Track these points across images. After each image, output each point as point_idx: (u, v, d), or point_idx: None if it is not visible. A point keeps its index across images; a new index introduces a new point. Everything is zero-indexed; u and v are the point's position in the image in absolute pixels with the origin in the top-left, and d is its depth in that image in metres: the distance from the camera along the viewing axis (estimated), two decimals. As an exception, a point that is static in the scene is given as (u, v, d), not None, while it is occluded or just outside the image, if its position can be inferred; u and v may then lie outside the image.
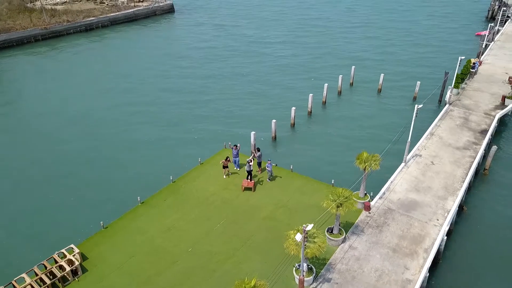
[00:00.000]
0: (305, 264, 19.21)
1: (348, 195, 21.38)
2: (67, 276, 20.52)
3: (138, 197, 26.05)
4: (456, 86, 39.37)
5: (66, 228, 25.83)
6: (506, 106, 36.84)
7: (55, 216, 27.06)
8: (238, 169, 29.14)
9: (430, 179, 27.52)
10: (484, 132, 33.09)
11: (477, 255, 23.85)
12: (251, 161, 26.89)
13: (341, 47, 61.59)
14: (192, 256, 22.12)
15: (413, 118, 28.30)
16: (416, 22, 74.65)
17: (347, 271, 20.65)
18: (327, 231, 22.78)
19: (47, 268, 20.46)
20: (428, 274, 20.74)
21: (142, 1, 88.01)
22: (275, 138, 36.69)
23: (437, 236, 22.64)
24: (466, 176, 27.59)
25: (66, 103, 44.30)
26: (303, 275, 18.29)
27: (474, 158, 29.56)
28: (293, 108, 38.81)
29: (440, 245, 22.39)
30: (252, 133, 33.34)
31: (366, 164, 24.07)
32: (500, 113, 35.70)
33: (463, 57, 37.70)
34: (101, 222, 24.06)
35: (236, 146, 28.96)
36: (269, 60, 56.71)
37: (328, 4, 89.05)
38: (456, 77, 39.41)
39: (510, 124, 38.25)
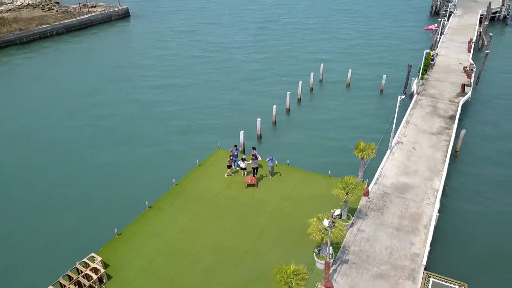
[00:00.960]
0: (330, 248, 20.68)
1: (356, 182, 23.14)
2: (94, 285, 20.62)
3: (146, 202, 26.34)
4: (421, 78, 42.66)
5: (80, 237, 25.83)
6: (466, 93, 40.52)
7: (67, 227, 26.97)
8: (237, 168, 30.12)
9: (415, 163, 30.05)
10: (452, 117, 36.36)
11: (464, 227, 26.61)
12: (245, 159, 28.32)
13: (305, 48, 62.94)
14: (212, 253, 22.90)
15: (397, 109, 30.69)
16: (370, 20, 77.65)
17: (360, 252, 22.41)
18: (339, 216, 24.42)
19: (74, 279, 20.46)
20: (430, 248, 23.00)
21: (94, 7, 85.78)
22: (260, 136, 38.04)
23: (432, 213, 25.03)
24: (446, 158, 30.43)
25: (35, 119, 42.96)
26: (329, 258, 19.76)
27: (449, 142, 32.58)
28: (274, 106, 40.33)
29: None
30: (241, 132, 34.58)
31: (364, 153, 26.02)
32: (462, 100, 39.28)
33: (427, 50, 41.03)
34: (115, 229, 24.18)
35: (236, 146, 29.95)
36: (236, 64, 56.74)
37: (285, 6, 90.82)
38: (422, 69, 42.79)
39: (471, 108, 42.05)
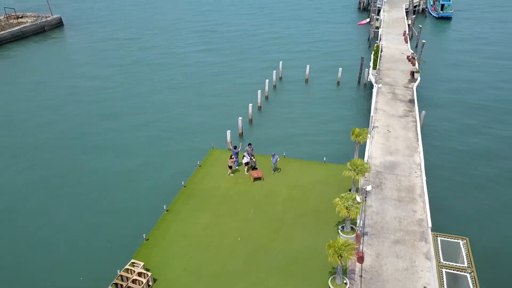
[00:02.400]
0: (362, 221, 23.24)
1: (362, 163, 25.97)
2: (144, 288, 21.20)
3: (164, 206, 26.98)
4: (374, 67, 47.12)
5: (109, 247, 26.15)
6: (416, 79, 45.61)
7: (96, 238, 27.24)
8: (237, 167, 31.58)
9: (393, 143, 33.78)
10: (411, 101, 40.94)
11: (449, 190, 30.93)
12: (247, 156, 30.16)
13: (256, 50, 64.27)
14: (242, 244, 24.40)
15: (374, 97, 34.19)
16: (309, 21, 79.90)
17: (375, 224, 25.28)
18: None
19: (124, 286, 20.84)
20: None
21: (21, 17, 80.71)
22: (242, 134, 39.79)
23: (423, 183, 28.74)
24: (418, 136, 34.61)
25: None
26: (360, 231, 22.31)
27: (415, 122, 36.91)
28: (250, 105, 42.33)
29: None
30: (228, 131, 36.18)
31: (360, 137, 29.03)
32: (415, 85, 44.21)
33: (377, 42, 45.47)
34: (144, 235, 24.64)
35: (236, 147, 31.42)
36: (195, 70, 56.52)
37: (220, 12, 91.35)
38: (374, 60, 47.28)
39: (422, 92, 47.16)
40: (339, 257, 19.44)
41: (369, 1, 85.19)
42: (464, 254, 23.11)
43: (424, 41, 54.07)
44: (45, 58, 62.95)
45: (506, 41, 66.52)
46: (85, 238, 27.30)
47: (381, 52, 50.75)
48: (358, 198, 21.49)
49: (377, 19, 70.48)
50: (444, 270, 22.18)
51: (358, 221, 22.88)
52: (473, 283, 21.25)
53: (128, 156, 36.81)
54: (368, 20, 74.45)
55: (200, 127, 41.53)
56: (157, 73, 55.49)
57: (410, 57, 51.11)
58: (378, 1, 78.91)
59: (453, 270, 22.20)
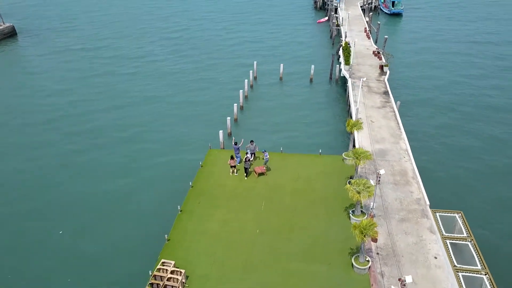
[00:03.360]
0: (374, 203, 25.22)
1: (364, 151, 28.04)
2: (179, 286, 21.84)
3: (178, 206, 27.61)
4: (347, 63, 49.80)
5: (133, 249, 26.87)
6: (386, 72, 48.79)
7: (119, 241, 28.17)
8: (238, 164, 32.68)
9: (378, 132, 36.30)
10: (386, 93, 43.90)
11: (437, 170, 33.79)
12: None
13: (227, 53, 64.31)
14: (262, 235, 25.65)
15: (360, 91, 36.55)
16: (271, 21, 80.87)
17: (380, 206, 27.41)
18: (348, 183, 29.07)
19: (160, 285, 21.42)
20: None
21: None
22: (230, 133, 40.89)
23: (413, 167, 31.35)
24: (399, 124, 37.40)
25: None
26: (373, 212, 24.28)
27: (394, 112, 39.77)
28: (235, 104, 43.49)
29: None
30: (220, 131, 37.26)
31: (355, 127, 31.14)
32: (386, 78, 47.33)
33: (341, 39, 48.10)
34: (166, 235, 25.20)
35: (236, 143, 32.47)
36: (169, 77, 55.65)
37: (182, 15, 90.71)
38: (345, 57, 49.94)
39: (392, 84, 50.34)
40: (364, 236, 21.22)
41: (325, 0, 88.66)
42: (461, 226, 25.81)
43: (386, 36, 57.57)
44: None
45: (456, 34, 72.05)
46: (110, 243, 27.96)
47: (354, 47, 53.44)
48: (372, 182, 23.42)
49: (336, 17, 73.95)
50: (448, 241, 24.69)
51: (371, 204, 24.90)
52: (474, 250, 23.88)
53: (128, 168, 36.56)
54: (326, 18, 77.49)
55: (190, 131, 42.07)
56: (131, 84, 53.64)
57: (376, 52, 54.42)
58: (334, 0, 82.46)
59: (456, 240, 24.78)
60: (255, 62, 54.71)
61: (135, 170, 36.06)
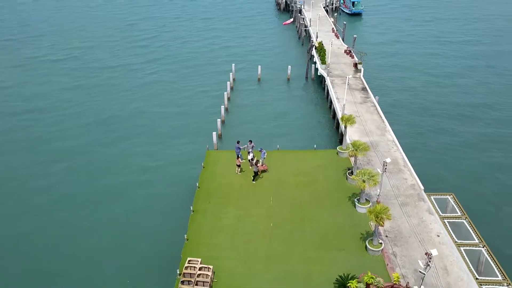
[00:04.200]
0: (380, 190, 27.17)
1: (362, 143, 30.05)
2: (210, 282, 22.69)
3: (191, 207, 28.35)
4: (323, 63, 52.06)
5: (154, 250, 27.80)
6: (360, 69, 51.49)
7: (139, 244, 29.08)
8: (242, 161, 33.71)
9: (365, 126, 38.59)
10: (364, 89, 46.48)
11: (423, 156, 36.50)
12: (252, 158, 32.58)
13: (200, 58, 64.67)
14: (277, 228, 26.96)
15: (346, 88, 38.68)
16: (238, 25, 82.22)
17: (380, 193, 29.47)
18: (349, 175, 30.99)
19: (192, 282, 22.19)
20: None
21: None
22: (221, 135, 41.91)
23: (403, 156, 33.80)
24: (383, 117, 39.91)
25: None
26: (379, 199, 26.25)
27: (375, 106, 42.32)
28: (222, 106, 44.56)
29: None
30: (214, 133, 38.32)
31: (349, 121, 33.13)
32: (361, 75, 50.02)
33: (313, 40, 50.36)
34: (185, 235, 25.91)
35: (238, 141, 33.49)
36: (149, 84, 55.16)
37: (154, 19, 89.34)
38: (321, 56, 52.22)
39: (369, 80, 52.99)
40: (380, 220, 23.07)
41: (287, 2, 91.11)
42: (454, 206, 28.38)
43: (355, 36, 60.51)
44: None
45: (415, 32, 76.76)
46: (131, 246, 28.75)
47: (331, 46, 55.52)
48: (379, 170, 25.35)
49: (303, 19, 76.49)
50: (445, 220, 27.13)
51: (378, 191, 26.90)
52: (470, 226, 26.44)
53: (132, 172, 37.10)
54: (291, 20, 79.81)
55: (182, 136, 42.61)
56: (109, 96, 52.07)
57: (348, 50, 57.15)
58: (298, 2, 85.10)
59: (452, 219, 27.28)
60: (233, 65, 55.84)
61: (136, 179, 36.29)
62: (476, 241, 25.45)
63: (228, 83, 50.22)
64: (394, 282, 20.24)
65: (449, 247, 24.95)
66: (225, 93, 47.42)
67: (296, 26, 79.17)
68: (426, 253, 19.19)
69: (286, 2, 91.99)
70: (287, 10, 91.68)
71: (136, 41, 72.83)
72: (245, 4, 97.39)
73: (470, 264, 23.82)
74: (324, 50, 53.27)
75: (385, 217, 23.12)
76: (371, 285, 19.92)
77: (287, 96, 51.88)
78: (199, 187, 30.88)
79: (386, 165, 26.03)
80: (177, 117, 46.59)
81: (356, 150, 29.64)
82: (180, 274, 23.18)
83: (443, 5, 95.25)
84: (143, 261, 27.38)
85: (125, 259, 27.69)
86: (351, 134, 37.15)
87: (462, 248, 24.86)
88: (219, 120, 41.53)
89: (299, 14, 79.38)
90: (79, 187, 35.00)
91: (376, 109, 41.85)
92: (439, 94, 51.61)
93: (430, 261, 18.60)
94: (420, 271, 19.06)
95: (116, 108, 48.98)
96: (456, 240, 25.50)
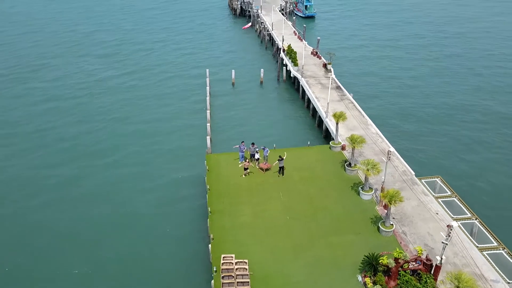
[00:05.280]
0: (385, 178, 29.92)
1: (359, 137, 32.75)
2: (248, 274, 24.08)
3: (208, 208, 29.47)
4: (296, 65, 54.73)
5: (181, 252, 28.91)
6: (330, 69, 54.74)
7: (165, 248, 29.87)
8: (243, 161, 35.21)
9: (348, 122, 41.15)
10: (339, 87, 49.64)
11: (409, 143, 39.94)
12: (257, 152, 34.31)
13: (170, 66, 64.58)
14: (294, 219, 28.90)
15: (329, 87, 41.41)
16: (197, 32, 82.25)
17: (378, 181, 32.29)
18: (347, 166, 33.57)
19: (234, 276, 23.48)
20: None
21: None
22: (211, 140, 42.99)
23: (389, 146, 36.97)
24: (362, 112, 43.14)
25: None
26: (384, 185, 28.99)
27: (353, 103, 45.54)
28: (208, 111, 45.69)
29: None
30: (208, 137, 39.52)
31: (341, 118, 35.77)
32: (333, 74, 53.20)
33: (279, 43, 53.12)
34: (211, 235, 27.05)
35: (243, 142, 34.94)
36: (125, 95, 54.33)
37: (114, 28, 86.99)
38: (293, 58, 54.88)
39: (339, 78, 56.18)
40: (394, 203, 25.72)
41: (243, 7, 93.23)
42: (444, 187, 31.89)
43: (319, 38, 63.83)
44: None
45: (367, 30, 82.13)
46: (162, 249, 29.54)
47: (304, 49, 57.94)
48: (384, 159, 28.07)
49: (262, 23, 79.02)
50: (439, 200, 30.48)
51: (382, 178, 29.65)
52: (461, 203, 29.95)
53: (135, 186, 36.97)
54: (250, 24, 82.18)
55: (175, 143, 43.19)
56: (90, 108, 50.99)
57: (314, 52, 60.30)
58: (253, 7, 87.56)
59: (445, 198, 30.69)
60: (207, 70, 56.97)
61: (140, 188, 36.61)
62: (469, 215, 28.96)
63: (208, 88, 51.30)
64: (418, 254, 22.87)
65: (448, 222, 28.15)
66: (207, 98, 48.52)
67: (256, 30, 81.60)
68: (448, 225, 21.98)
69: (241, 7, 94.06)
70: (243, 15, 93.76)
71: (99, 49, 71.58)
72: (199, 12, 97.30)
73: (469, 235, 27.17)
74: (295, 53, 55.97)
75: (398, 200, 25.79)
76: (399, 259, 22.39)
77: (263, 98, 53.91)
78: (209, 189, 31.98)
79: (390, 154, 28.81)
80: (162, 126, 46.92)
81: (354, 143, 32.29)
82: (216, 271, 24.36)
83: (389, 6, 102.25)
84: (171, 265, 28.20)
85: (151, 266, 28.25)
86: (340, 129, 39.79)
87: (459, 222, 28.16)
88: (208, 124, 42.63)
89: (259, 19, 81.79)
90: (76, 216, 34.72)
91: (354, 105, 45.06)
92: (406, 86, 56.86)
93: (451, 232, 21.40)
94: (443, 242, 21.79)
95: (94, 119, 48.51)
96: (452, 216, 28.85)
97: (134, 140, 43.97)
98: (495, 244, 26.50)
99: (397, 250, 22.62)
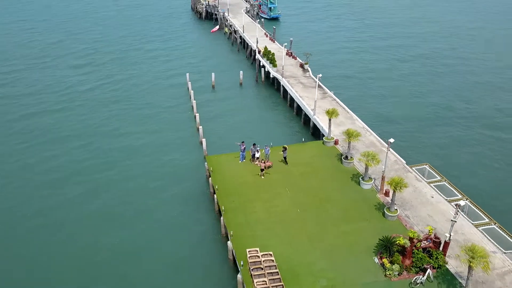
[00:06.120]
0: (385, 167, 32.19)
1: (354, 131, 34.95)
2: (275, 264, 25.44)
3: (222, 207, 30.50)
4: (275, 66, 56.53)
5: (202, 251, 29.75)
6: (307, 69, 56.99)
7: (188, 248, 30.82)
8: (243, 161, 36.44)
9: (334, 118, 43.63)
10: (319, 86, 51.73)
11: (396, 130, 42.67)
12: (258, 151, 35.72)
13: (146, 75, 63.48)
14: (304, 211, 30.60)
15: (316, 86, 43.44)
16: (168, 36, 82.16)
17: (374, 171, 34.63)
18: (344, 159, 35.69)
19: (263, 267, 24.73)
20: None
21: None
22: (201, 143, 43.86)
23: (377, 138, 39.58)
24: (345, 108, 45.57)
25: None
26: (384, 174, 31.31)
27: (335, 100, 47.92)
28: (197, 114, 46.50)
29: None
30: (203, 139, 40.48)
31: (333, 115, 37.85)
32: (311, 74, 55.46)
33: (253, 45, 54.68)
34: (230, 231, 28.13)
35: (243, 142, 36.10)
36: (106, 108, 52.57)
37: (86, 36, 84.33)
38: (271, 60, 56.69)
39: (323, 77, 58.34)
40: (400, 189, 28.01)
41: (208, 11, 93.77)
42: (433, 173, 34.76)
43: (291, 39, 65.99)
44: None
45: (333, 30, 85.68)
46: (177, 254, 30.06)
47: (284, 51, 59.35)
48: (384, 149, 30.36)
49: (231, 26, 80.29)
50: (431, 185, 33.24)
51: (383, 167, 31.95)
52: (451, 186, 32.85)
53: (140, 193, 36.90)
54: (218, 27, 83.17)
55: (170, 149, 43.26)
56: (73, 121, 49.16)
57: (289, 53, 62.36)
58: (220, 11, 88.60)
59: (436, 183, 33.50)
60: (187, 74, 57.52)
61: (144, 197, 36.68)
62: (460, 196, 31.87)
63: (192, 92, 51.94)
64: (429, 233, 25.21)
65: (444, 205, 30.93)
66: (194, 101, 49.21)
67: (225, 33, 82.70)
68: (456, 204, 24.42)
69: (207, 10, 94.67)
70: (208, 18, 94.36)
71: (73, 58, 69.76)
72: (164, 18, 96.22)
73: (463, 214, 29.99)
74: (273, 54, 57.79)
75: (403, 186, 28.12)
76: (414, 239, 24.60)
77: (246, 99, 55.16)
78: (217, 189, 32.96)
79: (390, 144, 31.12)
80: (152, 129, 47.18)
81: (350, 137, 34.46)
82: (242, 265, 25.52)
83: (348, 6, 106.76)
84: (199, 258, 29.26)
85: (174, 266, 28.87)
86: (327, 125, 41.97)
87: (453, 203, 30.98)
88: (200, 127, 43.45)
89: (226, 21, 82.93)
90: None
91: (338, 102, 47.46)
92: (383, 80, 61.05)
93: (459, 210, 23.86)
94: (452, 220, 24.21)
95: (78, 133, 46.87)
96: (446, 198, 31.64)
97: (125, 152, 43.13)
98: (487, 220, 29.44)
99: (412, 230, 24.84)
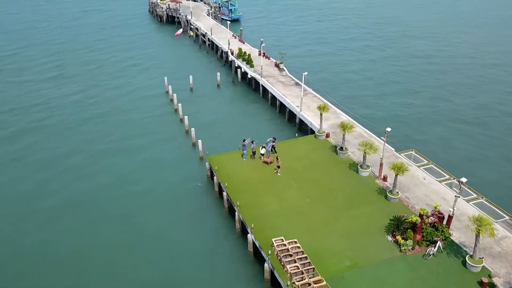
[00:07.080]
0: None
1: (347, 124, 37.45)
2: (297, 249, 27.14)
3: (238, 202, 31.77)
4: (252, 66, 58.17)
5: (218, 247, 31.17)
6: (283, 68, 59.17)
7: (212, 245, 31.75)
8: (244, 159, 37.80)
9: (323, 113, 46.10)
10: (298, 84, 54.13)
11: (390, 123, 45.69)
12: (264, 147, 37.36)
13: (123, 77, 63.59)
14: (314, 203, 32.53)
15: (303, 83, 45.58)
16: (131, 42, 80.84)
17: (371, 160, 37.28)
18: (340, 150, 38.09)
19: (291, 254, 26.35)
20: (381, 144, 40.48)
21: None
22: (195, 144, 44.68)
23: (364, 130, 42.43)
24: (328, 104, 48.15)
25: None
26: (382, 161, 33.99)
27: (317, 96, 50.42)
28: (186, 116, 47.13)
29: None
30: (199, 141, 41.45)
31: (324, 110, 40.17)
32: (287, 72, 57.67)
33: (226, 47, 56.29)
34: (251, 225, 29.48)
35: (245, 140, 37.39)
36: (83, 118, 51.24)
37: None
38: (248, 60, 58.33)
39: (292, 75, 60.57)
40: (402, 172, 30.72)
41: (169, 14, 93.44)
42: (420, 157, 38.06)
43: (262, 39, 67.76)
44: None
45: (292, 28, 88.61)
46: (203, 249, 31.21)
47: (262, 52, 61.09)
48: (383, 138, 33.06)
49: (196, 28, 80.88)
50: (421, 168, 36.46)
51: (381, 155, 34.59)
52: (439, 168, 36.23)
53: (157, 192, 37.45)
54: (182, 30, 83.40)
55: (166, 154, 43.45)
56: (57, 139, 47.53)
57: (262, 53, 64.22)
58: (181, 14, 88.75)
59: (425, 166, 36.77)
60: (165, 78, 57.68)
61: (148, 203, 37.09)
62: (448, 176, 35.27)
63: (175, 95, 52.34)
64: (436, 210, 28.06)
65: (436, 185, 34.17)
66: (180, 104, 49.72)
67: (191, 36, 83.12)
68: (459, 181, 27.40)
69: (167, 14, 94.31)
70: (170, 21, 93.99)
71: (43, 66, 67.20)
72: (123, 22, 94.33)
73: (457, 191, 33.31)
74: (249, 55, 59.42)
75: (405, 170, 30.87)
76: (423, 215, 27.31)
77: (226, 100, 56.36)
78: (227, 187, 34.11)
79: (387, 133, 33.80)
80: (139, 134, 47.19)
81: (345, 129, 36.94)
82: (270, 255, 27.00)
83: (311, 7, 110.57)
84: (215, 262, 30.08)
85: (197, 266, 29.75)
86: (314, 121, 44.28)
87: (443, 183, 34.32)
88: (193, 129, 44.22)
89: (191, 25, 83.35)
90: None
91: (319, 98, 49.99)
92: (352, 72, 65.49)
93: (462, 186, 26.87)
94: (455, 195, 27.17)
95: (70, 147, 46.40)
96: (436, 179, 34.91)
97: (120, 159, 43.03)
98: (475, 195, 32.94)
99: (421, 208, 27.54)
